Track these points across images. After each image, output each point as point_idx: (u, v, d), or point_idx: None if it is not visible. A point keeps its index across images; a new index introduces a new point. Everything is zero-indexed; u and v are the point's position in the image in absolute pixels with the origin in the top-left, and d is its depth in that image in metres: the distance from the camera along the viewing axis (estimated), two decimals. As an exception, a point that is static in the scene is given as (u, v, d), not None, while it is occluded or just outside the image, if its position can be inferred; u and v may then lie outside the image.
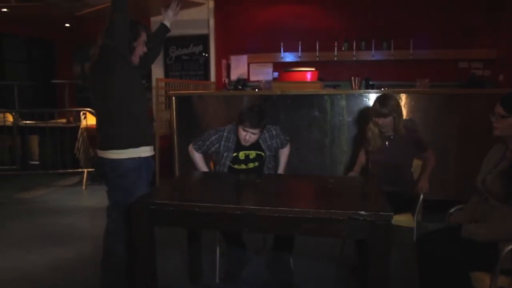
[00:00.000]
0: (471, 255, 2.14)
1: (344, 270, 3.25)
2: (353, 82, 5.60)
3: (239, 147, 3.03)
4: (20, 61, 8.71)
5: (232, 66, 7.29)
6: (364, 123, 3.50)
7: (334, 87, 6.18)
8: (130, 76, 2.58)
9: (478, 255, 2.13)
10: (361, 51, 6.72)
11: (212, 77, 7.01)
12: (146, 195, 2.45)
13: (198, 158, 3.16)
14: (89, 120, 5.89)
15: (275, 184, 2.90)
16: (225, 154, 3.04)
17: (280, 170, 3.26)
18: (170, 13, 3.10)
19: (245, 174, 3.05)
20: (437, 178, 3.16)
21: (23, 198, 5.61)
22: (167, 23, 3.10)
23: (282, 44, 6.96)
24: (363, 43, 6.69)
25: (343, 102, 4.55)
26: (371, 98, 4.38)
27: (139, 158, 2.60)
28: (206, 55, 7.06)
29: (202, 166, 3.17)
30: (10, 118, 6.50)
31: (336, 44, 6.72)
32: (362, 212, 1.97)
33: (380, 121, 3.13)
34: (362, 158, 3.52)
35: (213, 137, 3.06)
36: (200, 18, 6.84)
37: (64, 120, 6.64)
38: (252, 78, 7.14)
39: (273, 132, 3.13)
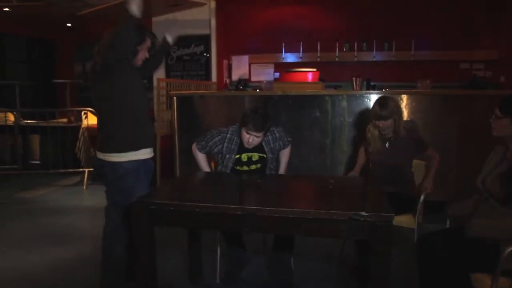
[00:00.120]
0: (472, 255, 2.14)
1: (344, 270, 3.25)
2: (354, 83, 5.60)
3: (241, 149, 3.03)
4: (21, 60, 8.72)
5: (233, 66, 7.29)
6: (365, 124, 3.49)
7: (335, 87, 6.17)
8: (131, 78, 2.59)
9: (479, 255, 2.12)
10: (362, 52, 6.71)
11: (213, 77, 7.02)
12: (147, 195, 2.45)
13: (201, 158, 3.15)
14: (90, 119, 5.90)
15: (275, 184, 2.90)
16: (227, 156, 3.03)
17: (281, 170, 3.26)
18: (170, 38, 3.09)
19: (247, 174, 3.06)
20: (438, 179, 3.15)
21: (24, 197, 5.61)
22: (170, 40, 3.07)
23: (283, 44, 6.95)
24: (364, 43, 6.68)
25: (344, 103, 4.55)
26: (372, 99, 4.37)
27: (138, 160, 2.63)
28: (208, 55, 7.07)
29: (204, 166, 3.17)
30: (11, 117, 6.51)
31: (337, 44, 6.71)
32: (363, 213, 1.97)
33: (381, 124, 3.13)
34: (362, 157, 3.51)
35: (216, 138, 3.04)
36: (201, 18, 6.85)
37: (65, 120, 6.65)
38: (253, 78, 7.13)
39: (276, 134, 3.11)
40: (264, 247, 3.43)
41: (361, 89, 5.65)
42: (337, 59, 6.77)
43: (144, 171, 2.68)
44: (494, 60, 6.35)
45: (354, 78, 5.67)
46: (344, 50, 6.77)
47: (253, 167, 3.09)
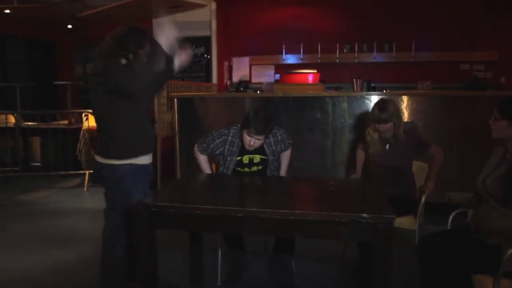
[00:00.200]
0: (474, 257, 2.14)
1: (345, 272, 3.24)
2: (354, 84, 5.61)
3: (243, 151, 3.01)
4: (21, 62, 8.73)
5: (234, 68, 7.29)
6: (365, 126, 3.48)
7: (336, 89, 6.18)
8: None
9: (480, 257, 2.12)
10: (363, 53, 6.71)
11: (214, 79, 7.02)
12: (147, 198, 2.45)
13: (203, 160, 3.15)
14: (91, 121, 5.89)
15: (276, 186, 2.90)
16: (229, 158, 3.03)
17: (282, 172, 3.25)
18: (183, 57, 2.75)
19: (247, 176, 3.05)
20: (439, 180, 3.15)
21: (25, 199, 5.61)
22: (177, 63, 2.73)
23: (284, 46, 6.96)
24: (365, 45, 6.68)
25: (344, 104, 4.55)
26: (373, 100, 4.37)
27: (137, 163, 2.64)
28: (208, 57, 7.07)
29: (206, 168, 3.16)
30: (12, 119, 6.51)
31: (338, 46, 6.72)
32: (364, 215, 1.96)
33: (381, 127, 3.12)
34: (361, 157, 3.51)
35: (217, 141, 3.03)
36: (202, 20, 6.85)
37: (66, 122, 6.65)
38: (254, 80, 7.14)
39: (279, 137, 3.08)
40: (265, 249, 3.42)
41: (361, 91, 5.65)
42: (337, 61, 6.78)
43: (142, 174, 2.69)
44: (494, 61, 6.36)
45: (354, 80, 5.67)
46: (345, 51, 6.77)
47: (254, 168, 3.08)
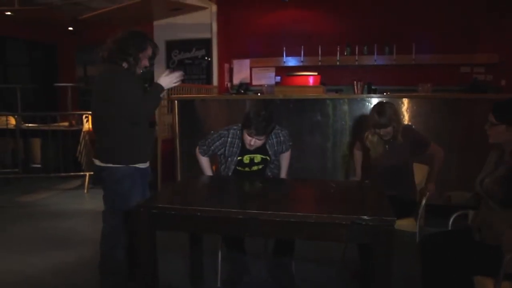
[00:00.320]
0: (474, 258, 2.14)
1: (346, 274, 3.24)
2: (355, 86, 5.62)
3: (243, 151, 2.98)
4: (22, 64, 8.74)
5: (235, 70, 7.30)
6: (364, 129, 3.47)
7: (337, 91, 6.18)
8: (131, 91, 2.61)
9: (481, 258, 2.12)
10: (363, 55, 6.71)
11: (215, 81, 7.02)
12: (148, 200, 2.46)
13: (204, 161, 3.14)
14: (92, 123, 5.89)
15: (277, 188, 2.90)
16: (229, 158, 3.01)
17: (283, 174, 3.23)
18: (167, 80, 2.73)
19: (248, 178, 3.04)
20: (439, 182, 3.15)
21: (25, 201, 5.61)
22: (163, 84, 2.72)
23: (284, 48, 6.96)
24: (365, 47, 6.68)
25: (345, 107, 4.55)
26: (373, 102, 4.36)
27: (134, 166, 2.71)
28: (209, 59, 7.08)
29: (207, 170, 3.15)
30: (12, 121, 6.51)
31: (338, 48, 6.72)
32: (365, 217, 1.96)
33: (381, 131, 3.11)
34: (358, 158, 3.50)
35: (217, 143, 3.00)
36: (202, 22, 6.86)
37: (66, 124, 6.66)
38: (254, 82, 7.14)
39: (281, 138, 3.04)
40: (265, 251, 3.42)
41: (362, 93, 5.66)
42: (338, 63, 6.77)
43: (140, 176, 2.75)
44: (494, 64, 6.35)
45: (355, 82, 5.68)
46: (345, 54, 6.77)
47: (255, 168, 3.06)
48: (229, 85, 7.14)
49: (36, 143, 6.98)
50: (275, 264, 3.10)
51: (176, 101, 5.03)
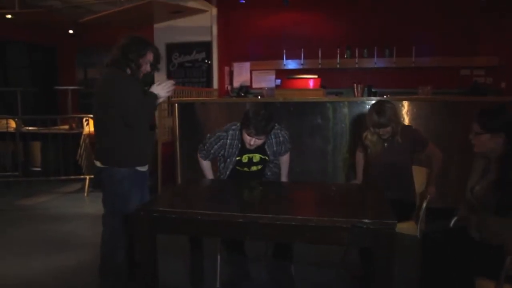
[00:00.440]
0: (475, 258, 2.13)
1: (346, 277, 3.23)
2: (355, 89, 5.62)
3: (243, 150, 2.95)
4: (22, 66, 8.74)
5: (235, 73, 7.31)
6: (363, 128, 3.45)
7: (337, 94, 6.18)
8: (133, 95, 2.63)
9: (482, 258, 2.11)
10: (363, 58, 6.73)
11: (215, 84, 7.03)
12: (148, 203, 2.46)
13: (205, 165, 3.13)
14: (92, 126, 5.89)
15: (277, 191, 2.89)
16: (228, 159, 3.01)
17: (284, 178, 3.22)
18: (159, 89, 2.72)
19: (248, 180, 3.04)
20: (439, 185, 3.15)
21: (25, 204, 5.60)
22: (155, 93, 2.73)
23: (284, 51, 6.97)
24: (365, 50, 6.70)
25: (345, 110, 4.55)
26: (374, 105, 4.37)
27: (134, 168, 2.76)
28: (209, 62, 7.09)
29: (208, 173, 3.15)
30: (12, 124, 6.51)
31: (338, 51, 6.73)
32: (366, 220, 1.96)
33: (381, 131, 3.10)
34: (360, 161, 3.49)
35: (216, 146, 2.97)
36: (203, 25, 6.88)
37: (66, 127, 6.65)
38: (254, 85, 7.15)
39: (281, 138, 3.00)
40: (265, 253, 3.41)
41: (362, 96, 5.66)
42: (338, 66, 6.79)
43: (139, 177, 2.78)
44: (494, 66, 6.37)
45: (355, 85, 5.68)
46: (345, 56, 6.79)
47: (254, 168, 3.04)
48: (229, 88, 7.15)
49: (36, 146, 6.98)
50: (275, 267, 3.09)
51: (176, 104, 5.03)
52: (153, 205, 2.44)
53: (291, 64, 7.03)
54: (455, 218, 2.56)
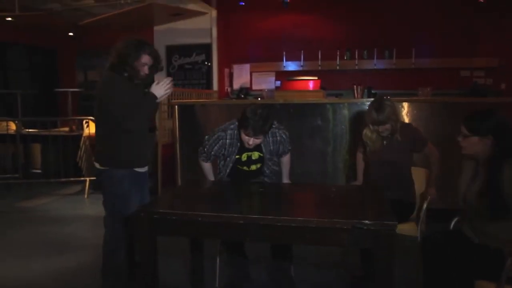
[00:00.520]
0: (475, 260, 2.13)
1: (346, 278, 3.23)
2: (355, 91, 5.62)
3: (242, 149, 2.94)
4: (22, 69, 8.75)
5: (235, 75, 7.31)
6: (362, 126, 3.43)
7: (337, 96, 6.19)
8: (131, 99, 2.64)
9: (482, 260, 2.11)
10: (363, 60, 6.73)
11: (215, 86, 7.04)
12: (149, 204, 2.46)
13: (207, 168, 3.12)
14: (92, 128, 5.90)
15: (277, 193, 2.89)
16: (228, 158, 3.00)
17: (285, 179, 3.20)
18: (158, 88, 2.70)
19: (248, 180, 3.04)
20: (440, 186, 3.15)
21: (25, 206, 5.60)
22: (155, 93, 2.71)
23: (284, 53, 6.98)
24: (365, 52, 6.71)
25: (345, 111, 4.56)
26: (374, 106, 4.37)
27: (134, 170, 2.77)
28: (209, 64, 7.09)
29: (210, 176, 3.14)
30: (13, 126, 6.51)
31: (338, 53, 6.74)
32: (366, 221, 1.96)
33: (380, 128, 3.09)
34: (361, 162, 3.49)
35: (216, 147, 2.96)
36: (202, 27, 6.89)
37: (66, 129, 6.65)
38: (254, 87, 7.16)
39: (278, 137, 2.96)
40: (265, 255, 3.41)
41: (362, 97, 5.66)
42: (338, 67, 6.80)
43: (138, 178, 2.79)
44: (494, 68, 6.37)
45: (355, 86, 5.69)
46: (345, 58, 6.79)
47: (253, 167, 3.02)
48: (229, 90, 7.15)
49: (37, 148, 6.98)
50: (275, 268, 3.09)
51: (176, 106, 5.03)
52: (154, 206, 2.44)
53: (291, 66, 7.04)
54: (455, 219, 2.56)
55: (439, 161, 3.13)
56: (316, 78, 6.20)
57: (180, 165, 5.02)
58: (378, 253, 1.98)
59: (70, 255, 3.76)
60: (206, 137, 3.03)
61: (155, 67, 2.76)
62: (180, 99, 5.67)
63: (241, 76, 7.26)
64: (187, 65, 7.20)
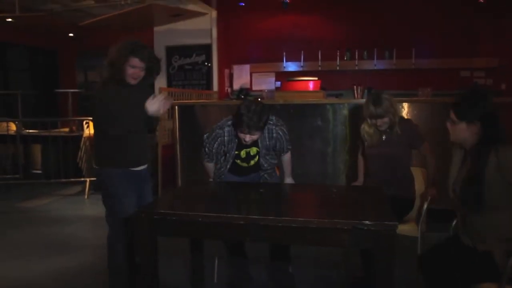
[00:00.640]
0: (476, 265, 2.12)
1: (347, 278, 3.23)
2: (355, 91, 5.62)
3: (240, 146, 2.92)
4: (23, 70, 8.76)
5: (235, 75, 7.31)
6: (360, 121, 3.42)
7: (337, 96, 6.19)
8: (125, 102, 2.65)
9: (476, 267, 2.10)
10: (363, 60, 6.74)
11: (215, 87, 7.04)
12: (149, 205, 2.46)
13: (211, 168, 3.11)
14: (92, 129, 5.90)
15: (278, 193, 2.89)
16: (227, 154, 2.98)
17: (287, 178, 3.18)
18: (153, 106, 2.60)
19: (248, 181, 3.04)
20: (440, 187, 3.14)
21: (25, 207, 5.61)
22: (150, 110, 2.62)
23: (284, 53, 6.98)
24: (365, 52, 6.71)
25: (345, 111, 4.56)
26: (374, 107, 4.37)
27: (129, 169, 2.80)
28: (209, 64, 7.09)
29: (212, 175, 3.14)
30: (13, 127, 6.52)
31: (338, 53, 6.74)
32: (366, 222, 1.96)
33: (378, 122, 3.06)
34: (362, 162, 3.48)
35: (215, 145, 2.94)
36: (202, 28, 6.89)
37: (67, 129, 6.66)
38: (254, 87, 7.16)
39: (274, 134, 2.92)
40: (265, 255, 3.41)
41: (362, 98, 5.66)
42: (338, 68, 6.80)
43: (133, 176, 2.80)
44: (494, 68, 6.37)
45: (355, 87, 5.69)
46: (345, 58, 6.80)
47: (252, 162, 3.01)
48: (229, 90, 7.15)
49: (37, 149, 6.98)
50: (274, 268, 3.09)
51: (176, 107, 5.03)
52: (154, 207, 2.44)
53: (291, 66, 7.04)
54: (455, 221, 2.55)
55: (434, 164, 3.11)
56: (316, 78, 6.20)
57: (180, 165, 5.02)
58: (379, 254, 1.98)
59: (70, 256, 3.76)
60: (205, 136, 3.01)
61: (150, 69, 2.71)
62: (180, 99, 5.67)
63: (241, 76, 7.26)
64: (187, 65, 7.20)
